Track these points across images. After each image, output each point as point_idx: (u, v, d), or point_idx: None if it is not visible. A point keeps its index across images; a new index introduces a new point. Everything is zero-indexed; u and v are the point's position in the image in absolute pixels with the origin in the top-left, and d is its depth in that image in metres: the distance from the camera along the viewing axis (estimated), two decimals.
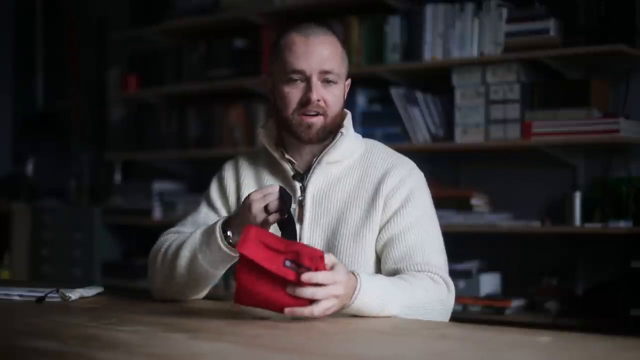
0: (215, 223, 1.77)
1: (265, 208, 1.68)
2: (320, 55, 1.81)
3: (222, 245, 1.74)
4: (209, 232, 1.77)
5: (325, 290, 1.51)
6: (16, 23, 5.63)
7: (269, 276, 1.50)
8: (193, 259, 1.79)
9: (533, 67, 3.39)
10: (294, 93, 1.83)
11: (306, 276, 1.49)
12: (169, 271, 1.85)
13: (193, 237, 1.81)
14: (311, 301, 1.51)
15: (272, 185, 1.72)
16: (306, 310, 1.51)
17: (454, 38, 3.47)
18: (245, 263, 1.52)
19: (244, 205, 1.71)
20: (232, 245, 1.74)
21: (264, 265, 1.49)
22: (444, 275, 1.80)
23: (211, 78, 4.26)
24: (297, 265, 1.50)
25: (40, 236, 4.78)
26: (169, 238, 1.92)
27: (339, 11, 3.82)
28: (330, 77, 1.82)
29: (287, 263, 1.50)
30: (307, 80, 1.82)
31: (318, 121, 1.83)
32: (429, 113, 3.57)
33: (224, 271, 1.85)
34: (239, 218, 1.73)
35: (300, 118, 1.83)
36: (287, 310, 1.51)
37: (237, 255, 1.75)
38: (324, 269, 1.52)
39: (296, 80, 1.82)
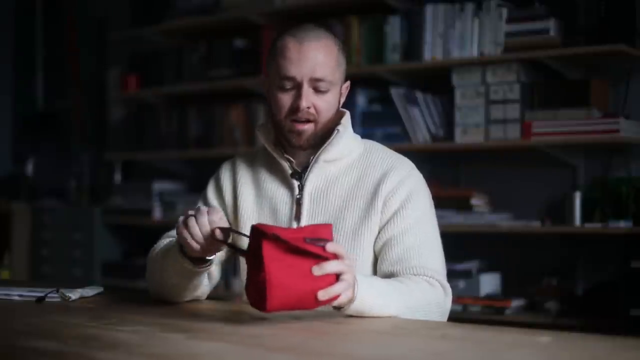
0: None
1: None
2: (313, 61, 1.79)
3: (179, 257, 1.73)
4: (174, 243, 1.77)
5: (344, 263, 1.52)
6: (16, 23, 5.63)
7: (295, 264, 1.47)
8: (165, 269, 1.80)
9: (533, 67, 3.39)
10: (285, 99, 1.82)
11: (331, 246, 1.50)
12: (155, 276, 1.86)
13: (167, 246, 1.83)
14: (335, 280, 1.51)
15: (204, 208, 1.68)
16: (336, 288, 1.50)
17: (454, 38, 3.47)
18: (271, 252, 1.47)
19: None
20: (187, 257, 1.72)
21: (296, 244, 1.46)
22: (440, 279, 1.79)
23: (211, 78, 4.26)
24: (316, 240, 1.49)
25: (40, 236, 4.79)
26: (163, 242, 1.93)
27: (339, 11, 3.82)
28: (322, 84, 1.80)
29: (308, 240, 1.49)
30: (298, 86, 1.80)
31: (309, 129, 1.83)
32: (429, 113, 3.57)
33: (193, 282, 1.82)
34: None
35: (291, 124, 1.83)
36: (320, 294, 1.48)
37: (195, 268, 1.74)
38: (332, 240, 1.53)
39: (288, 86, 1.81)
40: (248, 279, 1.53)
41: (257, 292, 1.48)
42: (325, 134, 1.87)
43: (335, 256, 1.51)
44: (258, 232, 1.49)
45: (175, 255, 1.74)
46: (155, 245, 1.95)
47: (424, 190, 1.89)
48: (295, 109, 1.81)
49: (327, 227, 1.54)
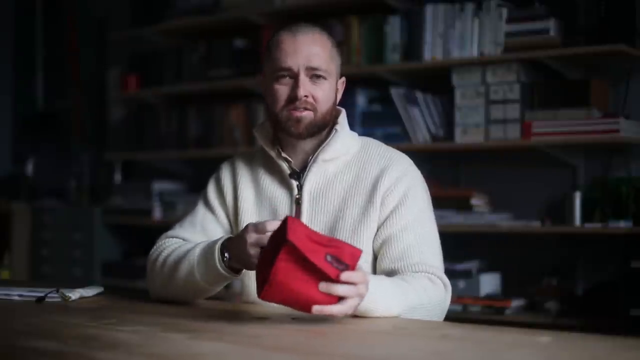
0: (215, 243, 1.75)
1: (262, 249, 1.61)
2: (307, 52, 1.82)
3: (219, 266, 1.73)
4: (208, 251, 1.76)
5: (356, 288, 1.50)
6: (16, 23, 5.63)
7: (306, 271, 1.46)
8: (190, 275, 1.79)
9: (533, 67, 3.39)
10: (282, 90, 1.84)
11: (345, 275, 1.47)
12: (168, 281, 1.85)
13: (192, 253, 1.80)
14: (338, 300, 1.49)
15: (269, 222, 1.64)
16: (334, 309, 1.49)
17: (454, 38, 3.47)
18: (286, 255, 1.46)
19: (242, 236, 1.67)
20: (227, 266, 1.73)
21: (310, 258, 1.45)
22: (441, 276, 1.80)
23: (211, 78, 4.26)
24: (337, 261, 1.48)
25: (40, 236, 4.79)
26: (169, 245, 1.92)
27: (339, 11, 3.82)
28: (318, 72, 1.82)
29: (329, 257, 1.47)
30: (295, 77, 1.82)
31: (307, 116, 1.84)
32: (429, 113, 3.57)
33: (220, 288, 1.84)
34: (237, 242, 1.69)
35: (288, 113, 1.84)
36: (315, 308, 1.47)
37: (233, 276, 1.75)
38: (354, 268, 1.50)
39: (285, 77, 1.83)
40: (261, 258, 1.55)
41: (262, 278, 1.50)
42: (322, 128, 1.87)
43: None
44: (285, 230, 1.48)
45: (212, 263, 1.73)
46: (157, 247, 1.94)
47: (421, 186, 1.90)
48: (293, 98, 1.82)
49: (355, 252, 1.51)
